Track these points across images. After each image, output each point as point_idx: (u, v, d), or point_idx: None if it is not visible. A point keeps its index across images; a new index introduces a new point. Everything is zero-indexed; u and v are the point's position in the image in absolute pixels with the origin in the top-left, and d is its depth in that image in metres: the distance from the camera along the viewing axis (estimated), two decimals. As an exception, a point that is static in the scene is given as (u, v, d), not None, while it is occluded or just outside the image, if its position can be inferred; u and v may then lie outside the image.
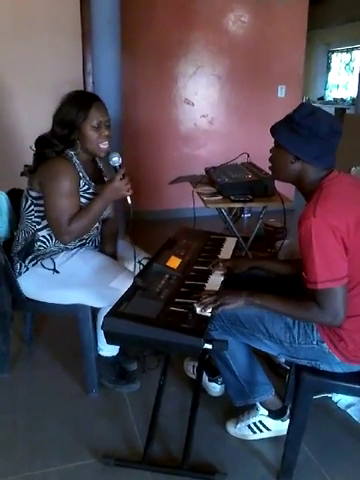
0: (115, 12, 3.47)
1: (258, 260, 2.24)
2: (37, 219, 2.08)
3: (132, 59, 4.38)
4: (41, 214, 2.06)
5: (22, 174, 2.11)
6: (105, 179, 2.21)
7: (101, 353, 2.22)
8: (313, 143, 1.55)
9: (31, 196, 2.07)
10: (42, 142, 2.05)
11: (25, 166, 2.10)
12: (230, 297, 1.64)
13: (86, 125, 1.99)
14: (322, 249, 1.46)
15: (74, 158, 2.04)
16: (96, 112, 2.00)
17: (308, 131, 1.54)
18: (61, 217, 1.96)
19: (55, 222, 1.99)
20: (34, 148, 2.07)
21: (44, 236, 2.09)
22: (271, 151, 1.70)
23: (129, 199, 2.05)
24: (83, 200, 2.05)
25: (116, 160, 2.02)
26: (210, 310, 1.57)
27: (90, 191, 2.08)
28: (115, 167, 2.03)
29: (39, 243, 2.09)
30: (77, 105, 1.99)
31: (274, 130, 1.64)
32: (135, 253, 2.07)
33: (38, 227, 2.09)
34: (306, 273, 1.51)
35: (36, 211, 2.08)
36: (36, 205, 2.07)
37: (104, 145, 2.03)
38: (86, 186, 2.07)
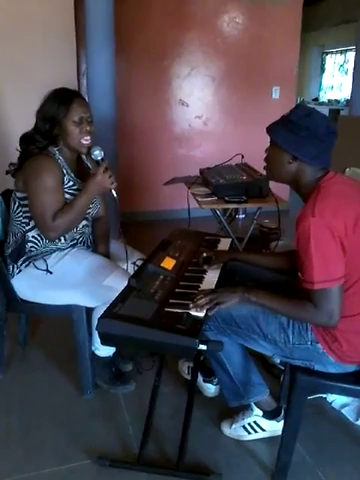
0: (109, 13, 3.47)
1: (240, 253, 2.25)
2: (25, 220, 2.08)
3: (126, 60, 4.38)
4: (28, 215, 2.06)
5: (7, 172, 2.11)
6: None
7: (97, 353, 2.21)
8: (311, 143, 1.56)
9: (17, 197, 2.07)
10: (26, 139, 2.06)
11: (10, 164, 2.10)
12: (225, 295, 1.64)
13: (67, 120, 1.99)
14: (320, 249, 1.46)
15: (57, 154, 2.04)
16: (77, 107, 2.00)
17: (306, 131, 1.54)
18: (45, 213, 1.96)
19: (39, 218, 1.98)
20: (19, 147, 2.07)
21: (34, 237, 2.08)
22: (266, 151, 1.70)
23: (114, 192, 2.04)
24: (68, 196, 2.04)
25: (98, 153, 2.02)
26: (205, 310, 1.57)
27: (75, 187, 2.08)
28: (97, 161, 2.03)
29: (30, 244, 2.09)
30: (58, 100, 1.99)
31: (271, 130, 1.64)
32: (127, 253, 2.06)
33: (27, 228, 2.08)
34: (303, 273, 1.51)
35: (23, 212, 2.07)
36: (23, 206, 2.07)
37: (86, 141, 2.03)
38: (71, 182, 2.07)
